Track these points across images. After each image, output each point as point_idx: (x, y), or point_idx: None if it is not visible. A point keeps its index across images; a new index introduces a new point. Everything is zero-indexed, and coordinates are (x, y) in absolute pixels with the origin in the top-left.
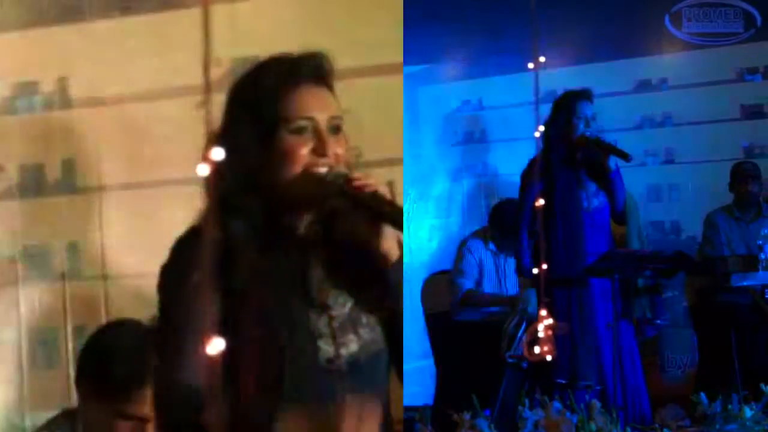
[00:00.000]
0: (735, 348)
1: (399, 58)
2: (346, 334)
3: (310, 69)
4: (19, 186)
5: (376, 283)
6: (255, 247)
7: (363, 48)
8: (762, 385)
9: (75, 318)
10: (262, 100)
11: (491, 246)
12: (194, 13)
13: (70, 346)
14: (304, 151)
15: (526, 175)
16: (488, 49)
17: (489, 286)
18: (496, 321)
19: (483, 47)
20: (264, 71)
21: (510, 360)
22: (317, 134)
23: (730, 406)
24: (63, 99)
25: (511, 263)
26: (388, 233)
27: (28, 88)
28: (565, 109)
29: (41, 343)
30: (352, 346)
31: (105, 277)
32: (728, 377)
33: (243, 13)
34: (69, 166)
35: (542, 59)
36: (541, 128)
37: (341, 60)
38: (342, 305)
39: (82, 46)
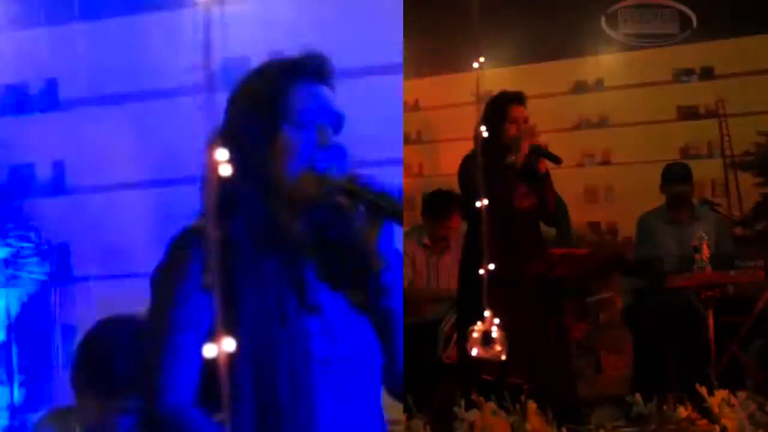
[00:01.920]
0: (670, 349)
1: (399, 58)
2: (340, 333)
3: (310, 68)
4: (9, 186)
5: (370, 284)
6: (253, 246)
7: (361, 48)
8: (697, 386)
9: (65, 318)
10: (265, 98)
11: (425, 241)
12: (187, 15)
13: (61, 346)
14: (306, 145)
15: (461, 173)
16: (425, 49)
17: (420, 286)
18: (432, 321)
19: (420, 48)
20: (266, 70)
21: (446, 361)
22: (318, 129)
23: (665, 407)
24: (54, 100)
25: (444, 260)
26: (386, 233)
27: (19, 89)
28: (497, 111)
29: (32, 343)
30: (345, 347)
31: (96, 278)
32: (663, 378)
33: (239, 14)
34: (59, 167)
35: (482, 59)
36: (482, 128)
37: (338, 60)
38: (336, 308)
39: (74, 47)
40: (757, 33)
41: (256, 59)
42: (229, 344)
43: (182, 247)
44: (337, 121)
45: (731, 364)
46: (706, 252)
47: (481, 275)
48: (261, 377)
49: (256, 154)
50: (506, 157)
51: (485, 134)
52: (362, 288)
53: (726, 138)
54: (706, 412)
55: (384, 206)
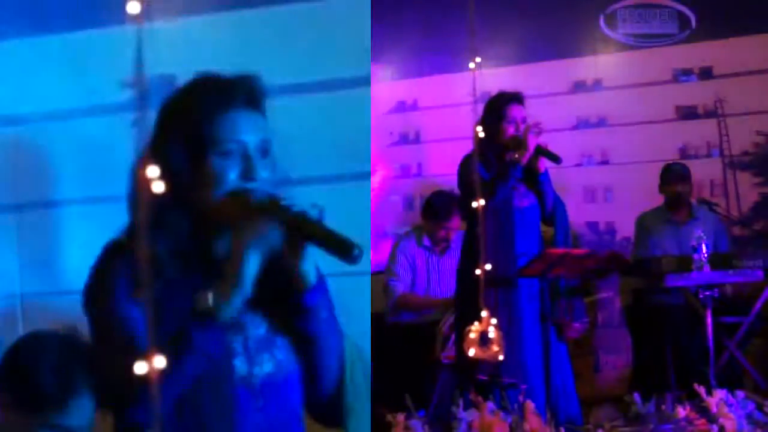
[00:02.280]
0: (669, 348)
1: (366, 71)
2: (260, 354)
3: (242, 92)
4: None
5: (290, 306)
6: (176, 264)
7: (329, 62)
8: (695, 385)
9: None
10: (193, 122)
11: (425, 242)
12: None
13: None
14: (232, 174)
15: (461, 172)
16: (423, 49)
17: (421, 287)
18: (431, 322)
19: (418, 47)
20: (196, 92)
21: (445, 361)
22: (245, 158)
23: (663, 407)
24: None
25: (444, 261)
26: (308, 255)
27: None
28: (496, 111)
29: None
30: (266, 366)
31: (22, 295)
32: (662, 377)
33: (201, 29)
34: None
35: (478, 59)
36: (478, 128)
37: (306, 74)
38: (257, 326)
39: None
40: (756, 33)
41: (184, 77)
42: (160, 361)
43: (109, 262)
44: (264, 146)
45: (729, 363)
46: (704, 252)
47: (478, 275)
48: (183, 394)
49: (180, 176)
50: (506, 155)
51: (482, 134)
52: (283, 309)
53: (725, 138)
54: (704, 411)
55: (305, 227)
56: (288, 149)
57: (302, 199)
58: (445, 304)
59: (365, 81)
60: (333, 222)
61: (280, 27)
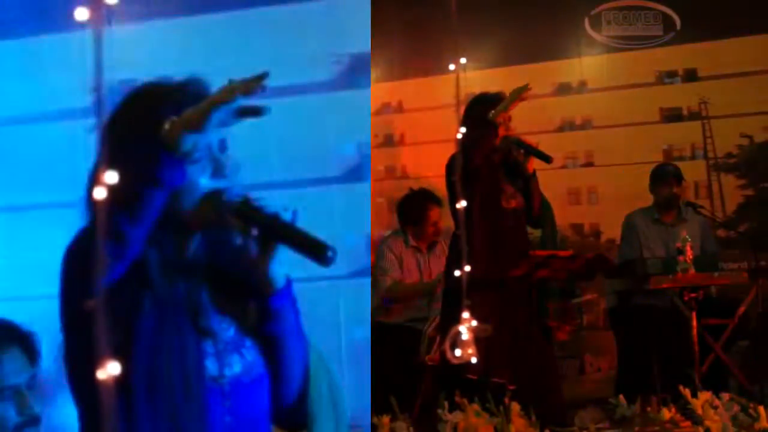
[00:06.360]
0: (654, 350)
1: (366, 72)
2: (230, 355)
3: (191, 95)
4: None
5: (257, 309)
6: (148, 268)
7: (328, 63)
8: (681, 387)
9: None
10: (147, 124)
11: (410, 241)
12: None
13: None
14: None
15: (449, 172)
16: (408, 51)
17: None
18: (415, 323)
19: (402, 49)
20: (146, 97)
21: (429, 363)
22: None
23: (649, 409)
24: None
25: (433, 260)
26: (277, 258)
27: None
28: (479, 111)
29: None
30: (235, 366)
31: None
32: (647, 379)
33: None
34: None
35: (462, 61)
36: (462, 130)
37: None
38: (226, 329)
39: None
40: (740, 35)
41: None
42: (114, 368)
43: (77, 261)
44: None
45: (715, 366)
46: (689, 253)
47: (459, 276)
48: (155, 398)
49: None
50: (493, 156)
51: (470, 136)
52: (251, 311)
53: (709, 140)
54: (689, 413)
55: (278, 229)
56: (287, 152)
57: (302, 200)
58: (435, 285)
59: (365, 83)
60: (333, 222)
61: (284, 28)
